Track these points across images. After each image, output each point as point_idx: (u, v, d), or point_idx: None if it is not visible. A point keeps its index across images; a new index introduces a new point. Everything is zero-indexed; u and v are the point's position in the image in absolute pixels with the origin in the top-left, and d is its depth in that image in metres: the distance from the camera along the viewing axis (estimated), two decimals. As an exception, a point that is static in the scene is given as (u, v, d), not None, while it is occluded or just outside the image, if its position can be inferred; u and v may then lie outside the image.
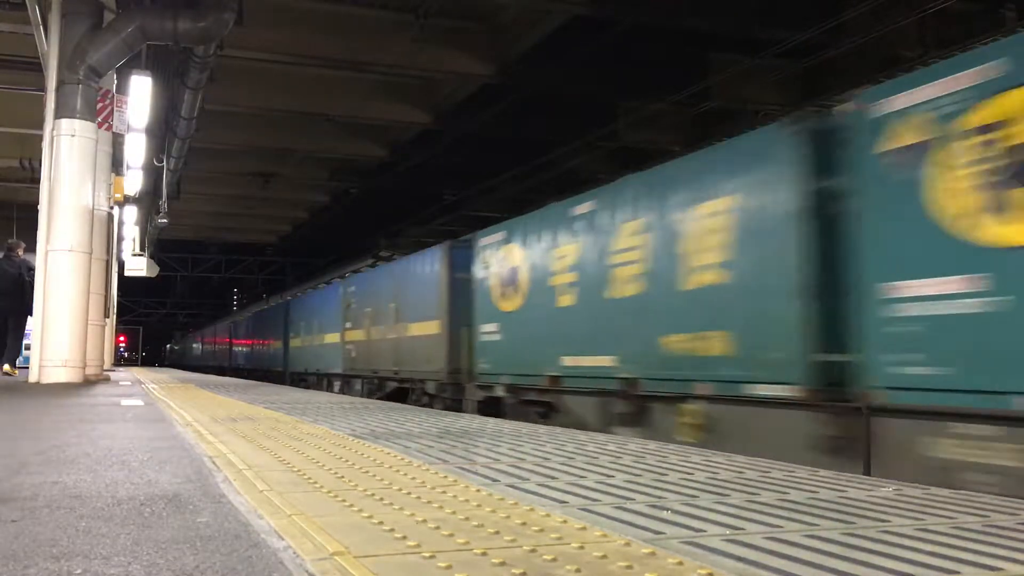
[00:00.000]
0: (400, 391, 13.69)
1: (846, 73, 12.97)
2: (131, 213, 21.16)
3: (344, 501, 2.53)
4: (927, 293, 4.78)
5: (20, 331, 12.56)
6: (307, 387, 19.10)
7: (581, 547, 1.97)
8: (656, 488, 2.87)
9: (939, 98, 4.80)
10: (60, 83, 10.24)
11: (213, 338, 43.56)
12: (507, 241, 9.92)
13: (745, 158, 6.30)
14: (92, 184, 10.41)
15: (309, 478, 2.99)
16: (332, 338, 17.96)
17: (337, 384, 17.69)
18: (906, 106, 5.02)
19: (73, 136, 10.13)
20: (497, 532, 2.12)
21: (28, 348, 12.46)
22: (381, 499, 2.57)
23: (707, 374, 6.38)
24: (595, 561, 1.85)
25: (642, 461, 3.59)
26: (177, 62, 14.10)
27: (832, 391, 5.39)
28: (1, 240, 13.35)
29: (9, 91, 14.97)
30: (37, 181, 11.34)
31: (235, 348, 34.94)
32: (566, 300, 8.48)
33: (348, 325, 16.67)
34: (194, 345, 53.38)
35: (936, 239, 4.73)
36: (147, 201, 22.14)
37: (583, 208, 8.36)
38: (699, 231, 6.57)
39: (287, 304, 24.86)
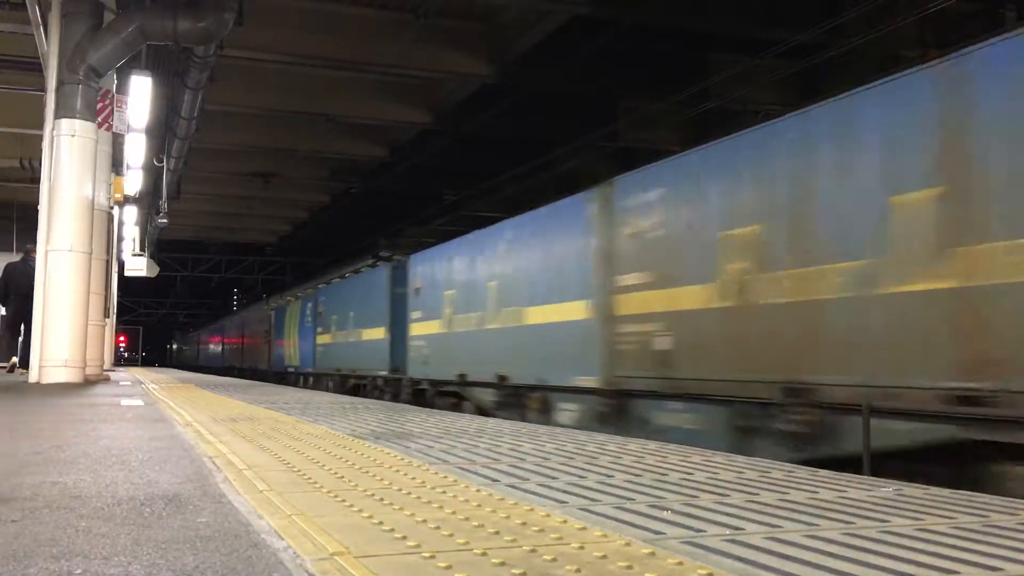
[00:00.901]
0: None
1: (846, 73, 12.96)
2: (131, 213, 21.18)
3: (344, 501, 2.53)
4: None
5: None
6: (457, 407, 11.09)
7: (581, 547, 1.97)
8: (656, 488, 2.87)
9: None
10: (60, 83, 10.24)
11: (240, 335, 34.49)
12: None
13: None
14: (92, 184, 10.41)
15: (309, 478, 2.99)
16: (562, 312, 8.96)
17: (573, 410, 8.72)
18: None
19: (73, 136, 10.13)
20: (497, 532, 2.12)
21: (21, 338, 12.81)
22: (381, 499, 2.57)
23: None
24: (595, 561, 1.85)
25: (642, 461, 3.59)
26: (177, 62, 14.10)
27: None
28: (1, 241, 13.50)
29: (9, 91, 14.97)
30: (37, 181, 11.36)
31: (280, 346, 25.58)
32: None
33: (629, 281, 7.85)
34: (210, 345, 44.69)
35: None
36: (147, 201, 22.16)
37: None
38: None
39: (402, 266, 14.49)
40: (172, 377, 17.76)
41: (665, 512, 2.43)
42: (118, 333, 38.68)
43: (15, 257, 14.86)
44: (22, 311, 12.29)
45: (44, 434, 4.46)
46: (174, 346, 71.43)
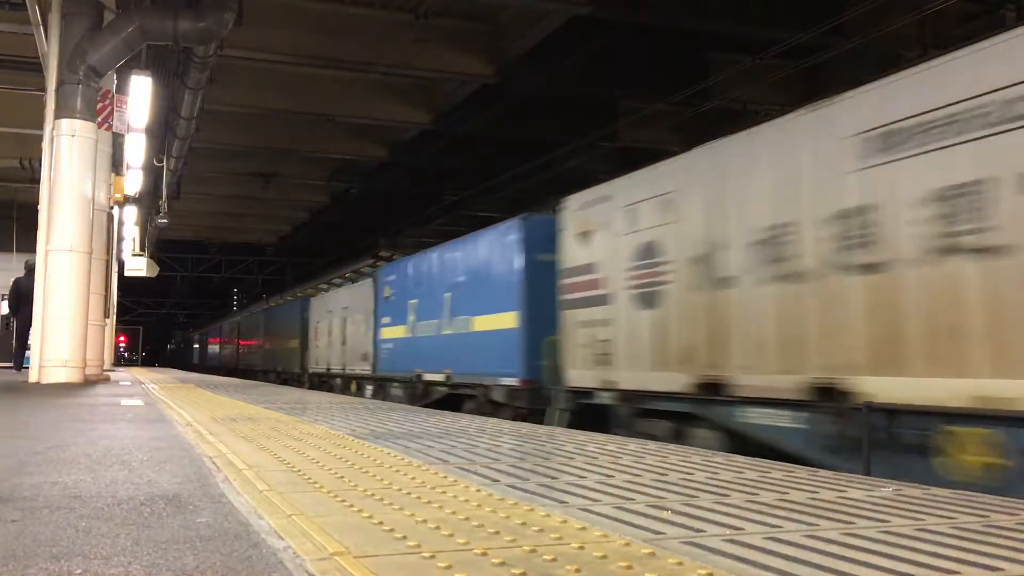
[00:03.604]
0: None
1: (846, 73, 12.96)
2: (131, 213, 21.17)
3: (344, 501, 2.54)
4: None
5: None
6: None
7: (581, 547, 1.97)
8: (656, 488, 2.87)
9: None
10: (60, 83, 10.24)
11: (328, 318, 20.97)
12: None
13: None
14: (92, 184, 10.41)
15: (309, 478, 2.99)
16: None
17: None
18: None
19: (73, 136, 10.12)
20: (497, 532, 2.12)
21: (28, 349, 13.13)
22: (381, 499, 2.58)
23: None
24: (595, 561, 1.85)
25: (642, 461, 3.59)
26: (177, 62, 14.09)
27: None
28: (1, 241, 13.65)
29: (9, 91, 14.96)
30: (37, 181, 11.36)
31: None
32: None
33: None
34: (260, 340, 29.86)
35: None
36: (147, 201, 22.14)
37: None
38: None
39: None
40: (172, 377, 17.76)
41: (665, 512, 2.43)
42: (118, 333, 38.66)
43: (14, 257, 14.98)
44: (30, 321, 12.66)
45: (44, 434, 4.46)
46: (209, 348, 47.15)
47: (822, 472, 3.38)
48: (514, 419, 6.49)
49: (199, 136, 17.35)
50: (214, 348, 43.83)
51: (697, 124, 16.80)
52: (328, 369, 19.87)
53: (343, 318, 18.64)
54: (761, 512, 2.45)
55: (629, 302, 7.78)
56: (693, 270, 7.08)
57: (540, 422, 6.70)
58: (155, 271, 25.10)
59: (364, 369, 16.58)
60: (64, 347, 9.92)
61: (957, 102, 4.94)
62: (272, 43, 14.40)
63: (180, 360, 60.97)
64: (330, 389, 19.04)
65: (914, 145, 5.22)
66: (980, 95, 4.81)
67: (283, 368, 25.43)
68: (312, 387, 20.82)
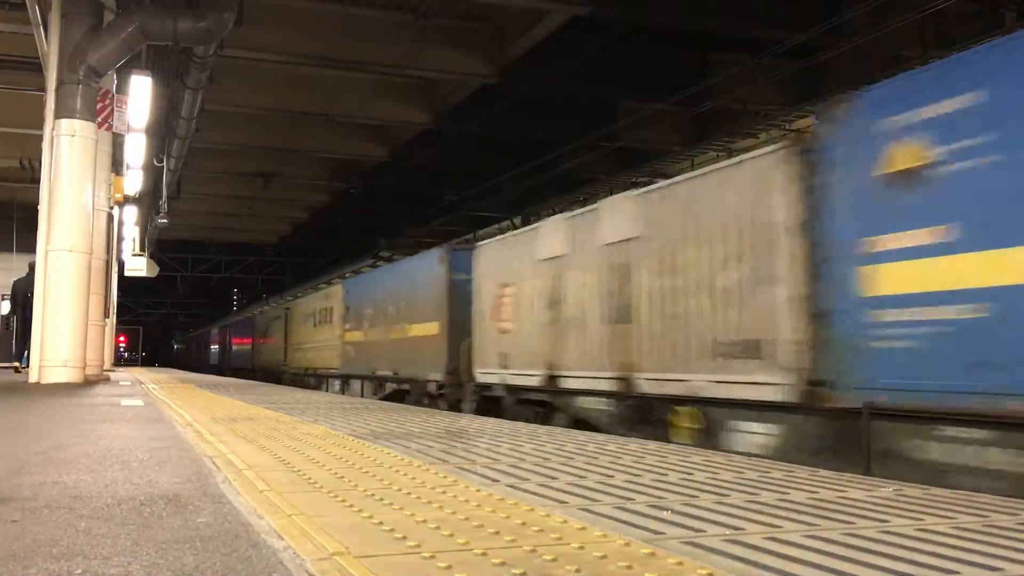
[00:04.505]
0: None
1: (846, 73, 12.97)
2: (131, 213, 21.17)
3: (344, 501, 2.53)
4: None
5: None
6: None
7: (581, 547, 1.97)
8: (656, 488, 2.87)
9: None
10: (60, 83, 10.24)
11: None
12: None
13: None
14: (92, 184, 10.41)
15: (309, 478, 2.99)
16: None
17: None
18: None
19: (73, 136, 10.13)
20: (497, 532, 2.12)
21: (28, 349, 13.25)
22: (381, 499, 2.57)
23: None
24: (595, 561, 1.85)
25: (642, 461, 3.59)
26: (177, 62, 14.10)
27: None
28: (1, 241, 13.76)
29: (9, 91, 14.97)
30: (37, 181, 11.37)
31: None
32: None
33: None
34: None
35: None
36: (147, 201, 22.16)
37: None
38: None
39: None
40: (171, 377, 17.77)
41: (665, 512, 2.43)
42: (118, 333, 38.68)
43: (14, 257, 15.06)
44: (25, 320, 12.73)
45: (44, 434, 4.46)
46: (240, 346, 36.02)
47: (822, 472, 3.38)
48: None
49: (199, 136, 17.35)
50: (242, 345, 34.13)
51: (697, 124, 16.82)
52: (551, 378, 9.00)
53: (619, 266, 7.90)
54: (761, 512, 2.45)
55: None
56: None
57: None
58: (155, 271, 25.12)
59: (751, 379, 6.12)
60: (64, 347, 9.92)
61: None
62: (272, 43, 14.40)
63: (191, 361, 58.79)
64: (545, 419, 8.82)
65: None
66: None
67: (397, 373, 14.28)
68: (486, 410, 10.02)
